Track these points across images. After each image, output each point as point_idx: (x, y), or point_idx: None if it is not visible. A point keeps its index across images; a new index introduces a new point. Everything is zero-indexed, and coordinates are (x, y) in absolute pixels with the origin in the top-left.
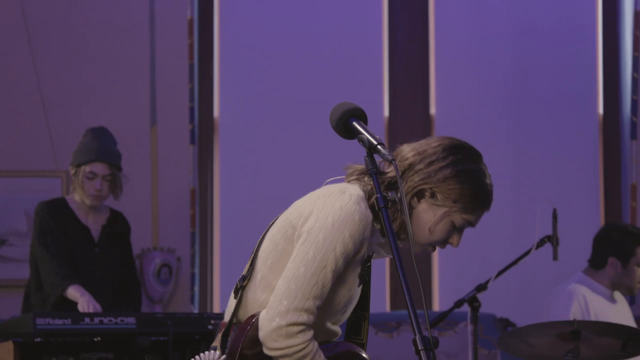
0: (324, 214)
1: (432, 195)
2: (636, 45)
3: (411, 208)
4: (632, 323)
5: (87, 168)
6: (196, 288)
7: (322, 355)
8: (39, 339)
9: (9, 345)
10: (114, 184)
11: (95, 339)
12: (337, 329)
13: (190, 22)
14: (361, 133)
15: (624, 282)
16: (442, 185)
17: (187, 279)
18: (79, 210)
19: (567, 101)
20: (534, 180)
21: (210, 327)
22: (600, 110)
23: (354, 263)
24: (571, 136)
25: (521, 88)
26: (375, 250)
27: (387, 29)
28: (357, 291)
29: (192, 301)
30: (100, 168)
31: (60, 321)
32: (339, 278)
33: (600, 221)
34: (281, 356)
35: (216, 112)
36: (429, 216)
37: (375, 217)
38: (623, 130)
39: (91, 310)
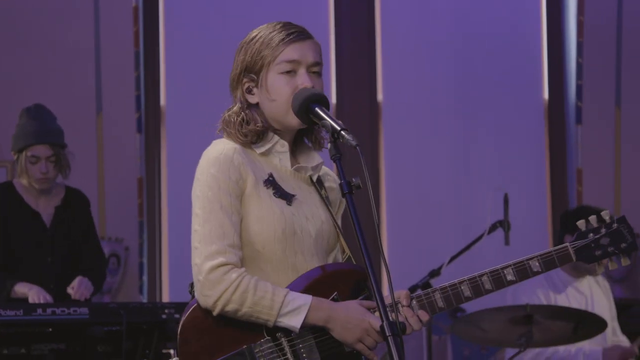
0: (196, 175)
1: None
2: (580, 30)
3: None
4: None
5: (28, 152)
6: (145, 277)
7: (265, 284)
8: None
9: None
10: (60, 163)
11: (48, 330)
12: (308, 264)
13: (135, 9)
14: (324, 118)
15: (583, 265)
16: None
17: (136, 269)
18: (27, 195)
19: (513, 86)
20: (481, 166)
21: (164, 316)
22: (546, 95)
23: (253, 187)
24: (517, 121)
25: (467, 74)
26: (280, 162)
27: (333, 15)
28: (299, 214)
29: (140, 291)
30: (41, 150)
31: (12, 312)
32: (249, 207)
33: (547, 206)
34: (225, 305)
35: (163, 100)
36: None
37: (245, 143)
38: (568, 115)
39: (42, 302)
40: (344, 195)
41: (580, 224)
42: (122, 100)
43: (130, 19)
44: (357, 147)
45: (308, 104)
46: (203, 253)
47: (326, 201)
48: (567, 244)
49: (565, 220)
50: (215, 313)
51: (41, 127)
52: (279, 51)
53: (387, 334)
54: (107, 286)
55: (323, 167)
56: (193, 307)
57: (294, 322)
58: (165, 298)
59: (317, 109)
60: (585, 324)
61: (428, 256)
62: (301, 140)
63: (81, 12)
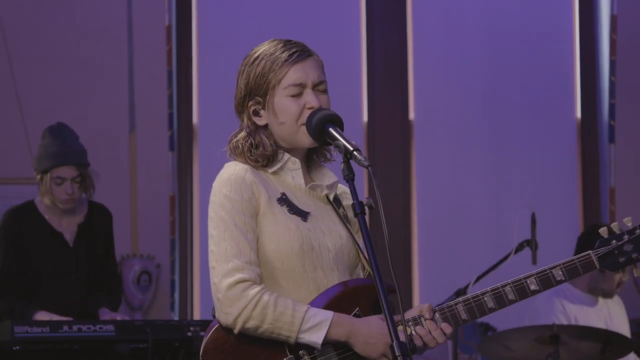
0: (210, 198)
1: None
2: (613, 48)
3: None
4: (622, 321)
5: (53, 174)
6: (176, 295)
7: (286, 300)
8: (17, 347)
9: None
10: (85, 183)
11: (75, 347)
12: (329, 279)
13: (169, 28)
14: (337, 139)
15: (600, 285)
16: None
17: (167, 286)
18: (50, 215)
19: (545, 106)
20: (512, 185)
21: (189, 334)
22: (578, 114)
23: (267, 206)
24: (549, 141)
25: (499, 93)
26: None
27: (365, 35)
28: (315, 230)
29: (172, 308)
30: (67, 171)
31: (39, 329)
32: (265, 226)
33: (580, 225)
34: (245, 322)
35: (195, 118)
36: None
37: (257, 164)
38: (601, 134)
39: None
40: (356, 215)
41: (603, 231)
42: (155, 118)
43: (164, 38)
44: (369, 168)
45: (323, 125)
46: (220, 272)
47: (344, 219)
48: (590, 251)
49: (581, 242)
50: (236, 331)
51: (65, 147)
52: (283, 73)
53: (397, 354)
54: (138, 303)
55: (340, 185)
56: (215, 327)
57: (316, 337)
58: (197, 315)
59: (331, 130)
60: (612, 345)
61: (459, 274)
62: (312, 157)
63: (115, 31)
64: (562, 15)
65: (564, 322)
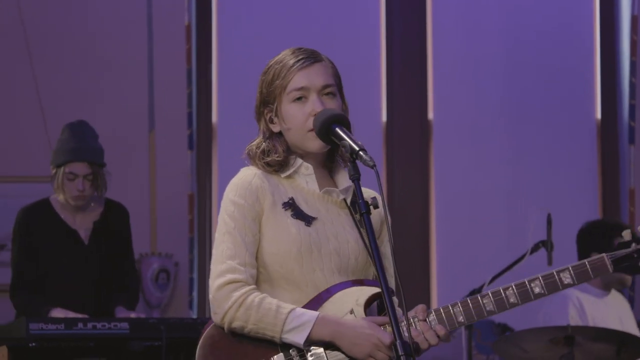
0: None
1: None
2: (634, 49)
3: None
4: (631, 320)
5: (66, 169)
6: (195, 293)
7: (271, 301)
8: (32, 344)
9: (2, 350)
10: (97, 182)
11: (89, 345)
12: (328, 282)
13: (188, 27)
14: (344, 139)
15: (614, 276)
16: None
17: (186, 284)
18: (64, 212)
19: (565, 106)
20: (531, 186)
21: None
22: (598, 115)
23: (270, 210)
24: (569, 141)
25: (518, 93)
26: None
27: (385, 34)
28: (318, 234)
29: (190, 306)
30: (80, 168)
31: (54, 326)
32: (267, 230)
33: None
34: (230, 323)
35: (214, 117)
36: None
37: (270, 169)
38: (621, 135)
39: None
40: (361, 215)
41: (626, 233)
42: (174, 117)
43: (183, 37)
44: (374, 168)
45: (329, 125)
46: (214, 273)
47: (358, 224)
48: (604, 254)
49: (587, 235)
50: (225, 330)
51: (82, 144)
52: (288, 80)
53: (400, 354)
54: (156, 301)
55: (367, 190)
56: (212, 325)
57: (298, 338)
58: None
59: (337, 129)
60: (628, 346)
61: (477, 273)
62: (335, 160)
63: (134, 30)
64: (582, 15)
65: (578, 319)
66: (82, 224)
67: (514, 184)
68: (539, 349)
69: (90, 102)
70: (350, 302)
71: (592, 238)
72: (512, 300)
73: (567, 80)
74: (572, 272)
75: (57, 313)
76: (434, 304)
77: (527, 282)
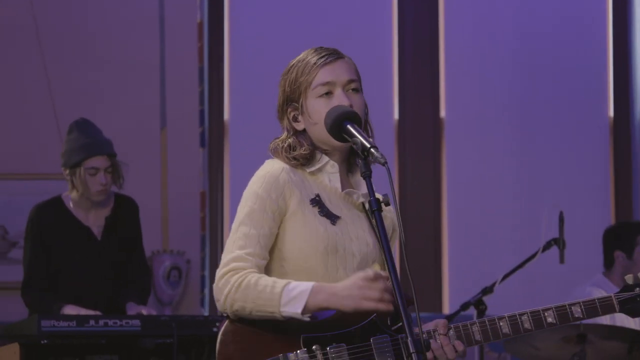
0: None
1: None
2: None
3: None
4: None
5: (87, 164)
6: (206, 291)
7: (267, 279)
8: (44, 341)
9: (14, 347)
10: (116, 174)
11: (101, 341)
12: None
13: (200, 25)
14: (355, 136)
15: (634, 273)
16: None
17: (197, 282)
18: (77, 209)
19: (578, 103)
20: (543, 183)
21: (215, 329)
22: (611, 112)
23: (298, 205)
24: (581, 139)
25: (531, 91)
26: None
27: (397, 32)
28: (343, 234)
29: (202, 304)
30: (100, 161)
31: (66, 323)
32: (294, 225)
33: (612, 224)
34: (232, 306)
35: (226, 115)
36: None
37: (296, 163)
38: (634, 132)
39: None
40: (372, 212)
41: (629, 278)
42: (186, 115)
43: (195, 35)
44: (386, 165)
45: (340, 122)
46: (221, 263)
47: (375, 229)
48: (612, 295)
49: (613, 236)
50: (231, 317)
51: (94, 139)
52: (313, 76)
53: (411, 351)
54: (168, 299)
55: (377, 194)
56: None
57: (296, 308)
58: None
59: (348, 126)
60: None
61: (488, 270)
62: (353, 161)
63: (146, 28)
64: (595, 13)
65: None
66: (95, 221)
67: (526, 182)
68: (550, 347)
69: (102, 99)
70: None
71: (614, 237)
72: (526, 325)
73: (580, 77)
74: (582, 307)
75: (69, 310)
76: (446, 301)
77: (541, 311)
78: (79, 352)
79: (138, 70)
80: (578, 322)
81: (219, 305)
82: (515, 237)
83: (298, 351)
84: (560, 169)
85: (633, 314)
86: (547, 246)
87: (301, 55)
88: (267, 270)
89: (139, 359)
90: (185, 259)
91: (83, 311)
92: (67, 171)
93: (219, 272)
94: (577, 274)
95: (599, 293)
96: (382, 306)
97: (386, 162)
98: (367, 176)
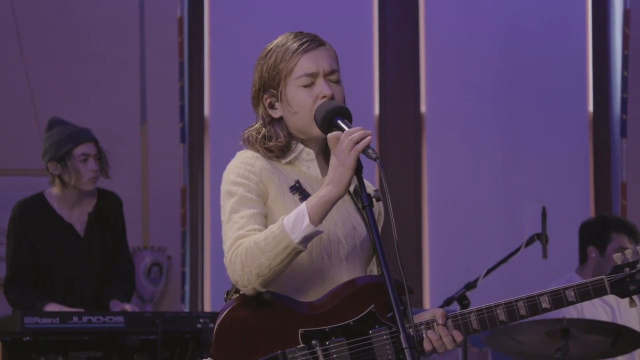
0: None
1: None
2: (626, 43)
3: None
4: (630, 314)
5: (77, 151)
6: (187, 287)
7: (260, 233)
8: (27, 338)
9: None
10: (102, 161)
11: (84, 338)
12: (335, 270)
13: (180, 20)
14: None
15: (605, 271)
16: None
17: (178, 278)
18: (59, 206)
19: (557, 99)
20: (524, 178)
21: (199, 325)
22: (591, 108)
23: (277, 193)
24: (561, 134)
25: (511, 86)
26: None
27: (377, 27)
28: (327, 220)
29: (182, 300)
30: (89, 147)
31: (49, 320)
32: (274, 213)
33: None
34: (250, 278)
35: (207, 111)
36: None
37: (271, 155)
38: (613, 128)
39: None
40: (363, 207)
41: (617, 257)
42: (166, 110)
43: (175, 30)
44: (377, 160)
45: (331, 117)
46: (226, 246)
47: (362, 212)
48: (604, 276)
49: (587, 231)
50: (257, 290)
51: (78, 128)
52: (294, 63)
53: (404, 346)
54: (149, 295)
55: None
56: (231, 306)
57: (305, 225)
58: (207, 307)
59: (339, 122)
60: (623, 339)
61: (470, 267)
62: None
63: (126, 23)
64: (575, 9)
65: (574, 313)
66: (78, 218)
67: (507, 177)
68: (534, 341)
69: (82, 95)
70: (368, 299)
71: (589, 232)
72: (522, 312)
73: (560, 74)
74: (575, 290)
75: (52, 308)
76: (426, 297)
77: (536, 297)
78: (62, 349)
79: (118, 65)
80: (560, 318)
81: (243, 286)
82: (495, 232)
83: (297, 347)
84: (541, 164)
85: (622, 294)
86: (530, 241)
87: (279, 40)
88: None
89: (123, 355)
90: (166, 255)
91: (65, 309)
92: (55, 164)
93: (225, 260)
94: (559, 269)
95: None
96: (365, 140)
97: (378, 158)
98: (359, 171)
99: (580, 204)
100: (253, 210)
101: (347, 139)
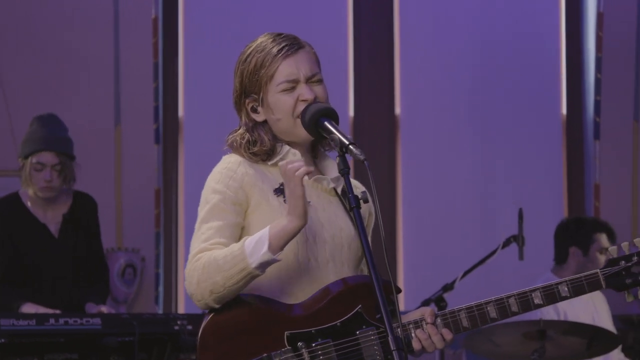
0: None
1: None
2: (599, 45)
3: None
4: (605, 315)
5: (34, 159)
6: (160, 288)
7: (220, 249)
8: (3, 340)
9: None
10: (65, 172)
11: (60, 340)
12: (322, 271)
13: (155, 20)
14: (333, 133)
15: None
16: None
17: (152, 280)
18: (34, 206)
19: (531, 102)
20: (498, 181)
21: (176, 327)
22: (564, 110)
23: (261, 196)
24: (535, 136)
25: (485, 88)
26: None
27: (352, 29)
28: (312, 221)
29: (156, 302)
30: (48, 157)
31: (25, 322)
32: (259, 216)
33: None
34: (204, 293)
35: (181, 112)
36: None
37: (256, 158)
38: (586, 130)
39: None
40: (351, 209)
41: (612, 250)
42: (141, 111)
43: (150, 30)
44: (365, 162)
45: (317, 119)
46: (189, 256)
47: (350, 213)
48: (598, 270)
49: (565, 230)
50: (210, 306)
51: (50, 134)
52: (274, 69)
53: (392, 349)
54: (123, 297)
55: (354, 182)
56: (215, 311)
57: (264, 250)
58: (181, 309)
59: (326, 123)
60: (599, 340)
61: (445, 269)
62: (317, 147)
63: (100, 23)
64: (548, 12)
65: (553, 315)
66: (53, 219)
67: (482, 179)
68: (511, 343)
69: (56, 95)
70: (356, 299)
71: (569, 233)
72: (513, 308)
73: (534, 76)
74: (569, 285)
75: (28, 308)
76: (401, 299)
77: (528, 293)
78: (39, 351)
79: (92, 66)
80: (537, 320)
81: (197, 300)
82: (470, 233)
83: (282, 350)
84: (514, 166)
85: (618, 288)
86: (506, 243)
87: (258, 42)
88: None
89: (100, 357)
90: (140, 256)
91: (42, 309)
92: (21, 163)
93: (185, 271)
94: (534, 269)
95: None
96: (302, 171)
97: (366, 159)
98: (346, 173)
99: (553, 205)
100: (222, 222)
101: (287, 169)
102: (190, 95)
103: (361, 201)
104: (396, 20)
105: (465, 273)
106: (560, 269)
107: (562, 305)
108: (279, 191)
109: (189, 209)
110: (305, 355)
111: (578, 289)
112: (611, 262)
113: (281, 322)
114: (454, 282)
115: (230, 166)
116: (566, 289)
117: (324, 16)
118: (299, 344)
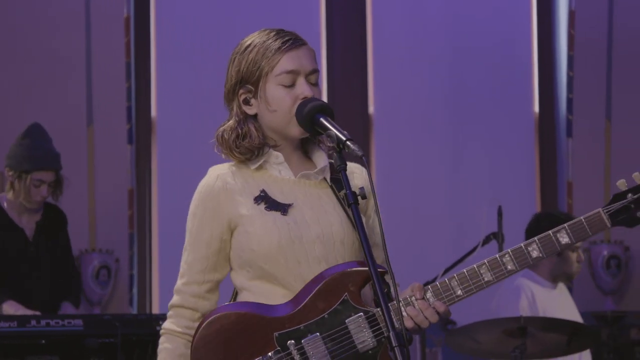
0: None
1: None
2: (571, 43)
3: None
4: (574, 311)
5: (34, 176)
6: (135, 289)
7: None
8: None
9: None
10: (58, 188)
11: (41, 342)
12: (315, 273)
13: (127, 20)
14: (329, 129)
15: (562, 269)
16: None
17: (126, 281)
18: (11, 210)
19: (504, 99)
20: (472, 179)
21: (158, 328)
22: (536, 108)
23: (243, 208)
24: (508, 134)
25: (458, 87)
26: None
27: (325, 28)
28: (296, 222)
29: (130, 303)
30: (47, 175)
31: (6, 324)
32: (243, 228)
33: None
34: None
35: (154, 112)
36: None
37: (242, 157)
38: (559, 128)
39: None
40: (349, 205)
41: (621, 183)
42: (113, 111)
43: (122, 30)
44: (363, 157)
45: (313, 115)
46: (178, 276)
47: (343, 202)
48: (599, 208)
49: (537, 228)
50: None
51: (46, 152)
52: (276, 61)
53: (394, 345)
54: (97, 298)
55: (348, 164)
56: (204, 324)
57: None
58: (156, 310)
59: (322, 120)
60: (579, 336)
61: (421, 268)
62: (309, 141)
63: (72, 23)
64: (520, 10)
65: (528, 310)
66: (27, 224)
67: (456, 177)
68: (492, 340)
69: (28, 95)
70: (341, 289)
71: (541, 230)
72: (510, 267)
73: (506, 74)
74: (568, 230)
75: (9, 306)
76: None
77: (523, 247)
78: (20, 353)
79: (64, 65)
80: (517, 317)
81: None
82: (444, 231)
83: (271, 352)
84: (488, 164)
85: (630, 223)
86: (486, 240)
87: (258, 36)
88: (237, 280)
89: (82, 358)
90: (114, 257)
91: (22, 310)
92: (12, 173)
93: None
94: None
95: (527, 283)
96: None
97: (363, 155)
98: (343, 169)
99: (526, 203)
100: (197, 254)
101: None
102: (162, 95)
103: (359, 197)
104: (369, 19)
105: (446, 270)
106: (535, 266)
107: (541, 302)
108: (259, 198)
109: (162, 209)
110: (294, 354)
111: (579, 233)
112: (616, 197)
113: (269, 325)
114: (434, 279)
115: (209, 182)
116: (565, 234)
117: (296, 15)
118: (289, 342)
